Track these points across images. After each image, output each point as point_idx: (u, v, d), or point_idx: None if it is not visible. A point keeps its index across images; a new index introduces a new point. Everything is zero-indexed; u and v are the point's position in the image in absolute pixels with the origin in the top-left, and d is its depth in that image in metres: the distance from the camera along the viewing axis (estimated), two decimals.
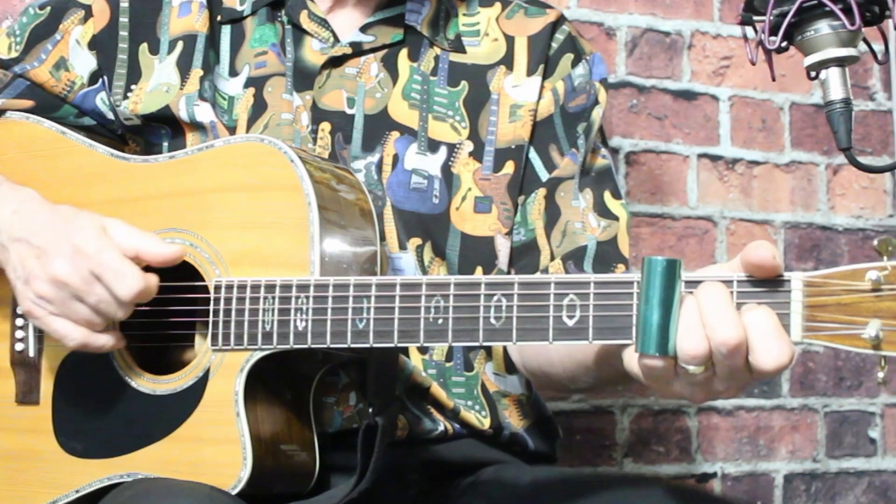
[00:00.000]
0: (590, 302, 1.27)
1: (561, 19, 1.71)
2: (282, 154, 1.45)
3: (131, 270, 1.42)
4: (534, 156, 1.65)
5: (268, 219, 1.45)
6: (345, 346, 1.38)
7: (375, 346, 1.36)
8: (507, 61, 1.67)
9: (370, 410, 1.48)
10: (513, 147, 1.64)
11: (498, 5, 1.71)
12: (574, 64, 1.69)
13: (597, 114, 1.69)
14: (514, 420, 1.66)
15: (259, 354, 1.42)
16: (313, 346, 1.39)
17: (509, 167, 1.63)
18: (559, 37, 1.69)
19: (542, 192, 1.65)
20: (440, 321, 1.33)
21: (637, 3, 2.44)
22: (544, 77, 1.67)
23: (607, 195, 1.67)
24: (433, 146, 1.62)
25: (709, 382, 1.22)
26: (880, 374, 1.18)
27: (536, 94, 1.66)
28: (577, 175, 1.65)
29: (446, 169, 1.62)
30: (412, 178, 1.60)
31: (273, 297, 1.41)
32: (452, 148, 1.62)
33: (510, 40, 1.68)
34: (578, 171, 1.66)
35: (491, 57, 1.67)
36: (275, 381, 1.46)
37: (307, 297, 1.40)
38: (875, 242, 1.17)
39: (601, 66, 1.72)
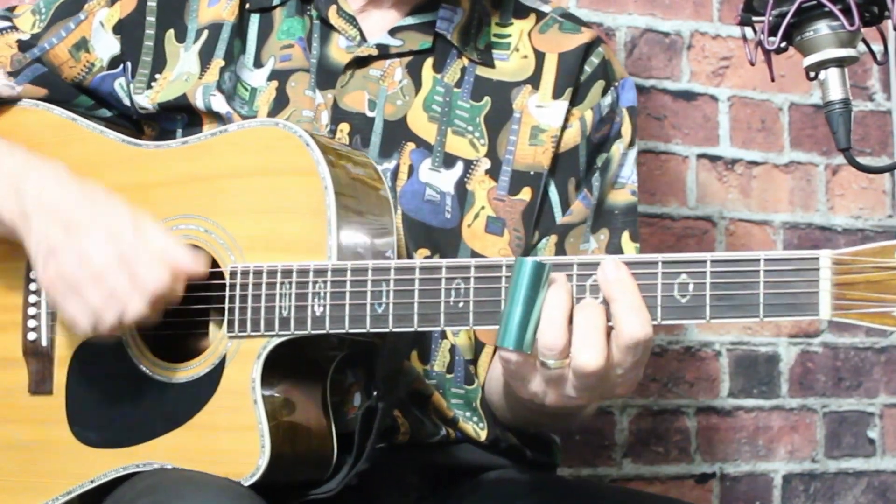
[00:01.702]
0: None
1: (596, 41, 1.66)
2: (297, 138, 1.44)
3: (165, 261, 1.40)
4: (553, 191, 1.62)
5: (283, 203, 1.44)
6: (364, 330, 1.37)
7: (395, 330, 1.35)
8: (534, 80, 1.63)
9: (374, 394, 1.47)
10: (531, 173, 1.60)
11: (533, 17, 1.67)
12: (604, 92, 1.64)
13: (617, 149, 1.64)
14: (510, 434, 1.64)
15: (276, 341, 1.41)
16: (331, 331, 1.38)
17: (526, 193, 1.60)
18: (594, 60, 1.65)
19: (553, 238, 1.62)
20: (461, 304, 1.32)
21: (636, 4, 2.45)
22: (572, 104, 1.62)
23: (625, 236, 1.64)
24: (449, 161, 1.59)
25: (563, 381, 1.27)
26: None
27: (562, 120, 1.61)
28: (588, 219, 1.63)
29: (461, 185, 1.59)
30: (426, 190, 1.58)
31: (290, 283, 1.40)
32: (469, 164, 1.60)
33: (540, 57, 1.64)
34: (591, 213, 1.63)
35: (518, 74, 1.63)
36: (292, 367, 1.45)
37: (325, 282, 1.38)
38: None
39: (630, 92, 1.67)
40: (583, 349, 1.24)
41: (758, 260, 1.22)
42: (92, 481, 1.49)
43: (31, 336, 1.57)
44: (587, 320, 1.24)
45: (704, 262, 1.25)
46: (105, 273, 1.40)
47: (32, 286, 1.58)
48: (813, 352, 2.55)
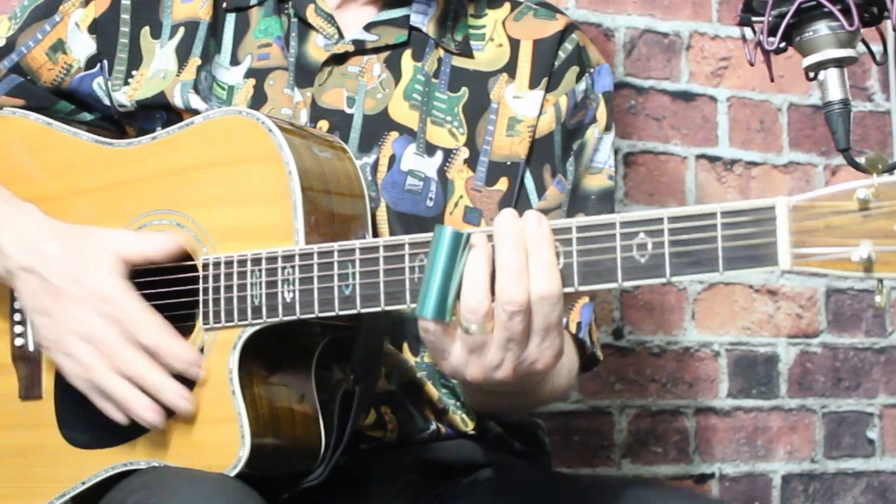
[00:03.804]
0: (573, 248, 1.25)
1: (570, 27, 1.67)
2: (259, 125, 1.44)
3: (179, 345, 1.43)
4: (528, 178, 1.62)
5: (250, 191, 1.44)
6: (333, 313, 1.36)
7: (363, 311, 1.35)
8: (510, 69, 1.64)
9: (351, 377, 1.47)
10: (508, 163, 1.61)
11: (507, 6, 1.68)
12: (578, 77, 1.65)
13: (591, 133, 1.65)
14: (494, 422, 1.64)
15: (250, 330, 1.41)
16: (302, 316, 1.38)
17: (503, 183, 1.61)
18: (568, 46, 1.65)
19: None
20: None
21: (635, 4, 2.45)
22: (547, 90, 1.63)
23: None
24: (430, 150, 1.60)
25: (485, 350, 1.25)
26: (877, 298, 1.15)
27: (538, 109, 1.62)
28: (564, 203, 1.63)
29: (442, 173, 1.60)
30: (407, 180, 1.58)
31: (260, 271, 1.40)
32: (449, 153, 1.60)
33: (515, 44, 1.65)
34: (566, 198, 1.63)
35: (493, 64, 1.64)
36: (272, 356, 1.45)
37: (293, 268, 1.38)
38: (863, 160, 1.14)
39: (606, 78, 1.67)
40: (508, 285, 1.23)
41: (714, 213, 1.19)
42: (83, 483, 1.49)
43: (19, 342, 1.57)
44: (511, 261, 1.24)
45: (661, 219, 1.23)
46: (94, 334, 1.44)
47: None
48: (812, 352, 2.55)
